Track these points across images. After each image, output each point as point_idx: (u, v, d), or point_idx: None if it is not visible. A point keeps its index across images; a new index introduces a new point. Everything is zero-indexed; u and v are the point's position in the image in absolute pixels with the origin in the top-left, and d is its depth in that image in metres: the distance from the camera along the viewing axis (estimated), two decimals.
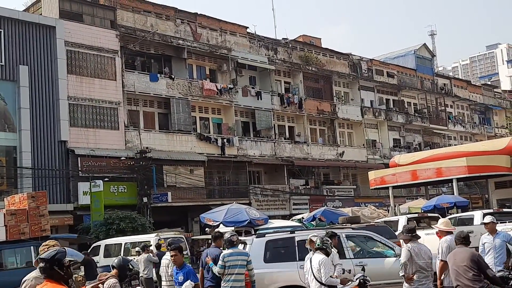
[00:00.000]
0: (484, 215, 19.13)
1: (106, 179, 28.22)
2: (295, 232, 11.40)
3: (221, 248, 10.07)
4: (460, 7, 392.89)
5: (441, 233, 9.54)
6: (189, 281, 8.39)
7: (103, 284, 7.15)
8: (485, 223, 10.27)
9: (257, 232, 15.22)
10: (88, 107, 30.41)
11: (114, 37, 32.00)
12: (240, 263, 9.37)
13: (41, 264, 4.66)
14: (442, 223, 9.71)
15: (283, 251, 11.11)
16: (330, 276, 8.31)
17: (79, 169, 28.83)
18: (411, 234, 8.97)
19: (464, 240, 8.53)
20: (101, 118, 30.79)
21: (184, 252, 17.35)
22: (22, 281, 6.48)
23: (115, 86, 31.55)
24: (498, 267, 9.49)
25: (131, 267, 7.50)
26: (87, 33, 30.80)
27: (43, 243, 6.57)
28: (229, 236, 9.65)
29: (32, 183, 26.91)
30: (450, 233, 9.48)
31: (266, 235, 11.61)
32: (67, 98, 29.34)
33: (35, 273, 6.15)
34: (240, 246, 10.52)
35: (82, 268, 19.67)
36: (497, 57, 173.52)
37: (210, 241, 21.37)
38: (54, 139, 28.61)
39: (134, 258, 16.98)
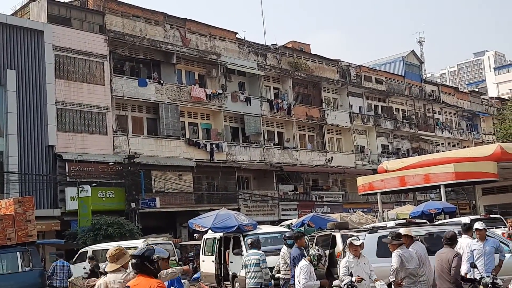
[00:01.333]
0: (471, 221, 19.27)
1: (94, 184, 28.05)
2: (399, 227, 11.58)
3: (302, 248, 11.22)
4: (448, 15, 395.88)
5: (404, 240, 9.47)
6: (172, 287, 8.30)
7: None
8: (477, 229, 10.28)
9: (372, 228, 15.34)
10: (76, 112, 30.26)
11: (102, 41, 31.89)
12: (255, 262, 11.45)
13: (133, 261, 5.33)
14: (405, 230, 9.69)
15: None
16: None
17: (67, 174, 28.66)
18: (399, 240, 8.98)
19: (449, 241, 8.68)
20: (89, 123, 30.64)
21: (172, 258, 17.29)
22: (106, 281, 6.72)
23: (103, 91, 31.43)
24: (488, 273, 9.51)
25: None
26: (75, 37, 30.68)
27: (114, 248, 6.79)
28: (249, 239, 11.87)
29: (19, 188, 26.73)
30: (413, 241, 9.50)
31: (378, 231, 11.98)
32: (55, 102, 29.18)
33: (114, 276, 6.52)
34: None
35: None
36: (484, 64, 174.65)
37: (198, 246, 21.34)
38: (41, 144, 28.44)
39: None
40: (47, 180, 28.51)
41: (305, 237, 21.26)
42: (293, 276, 10.75)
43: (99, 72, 31.46)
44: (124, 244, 21.68)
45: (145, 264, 5.32)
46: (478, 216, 20.77)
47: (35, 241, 17.68)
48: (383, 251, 11.16)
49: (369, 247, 11.04)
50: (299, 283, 8.57)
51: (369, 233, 12.11)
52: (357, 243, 9.17)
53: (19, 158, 27.45)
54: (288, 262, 12.37)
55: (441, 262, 8.67)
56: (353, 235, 9.78)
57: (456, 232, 9.80)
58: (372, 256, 10.99)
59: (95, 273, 16.47)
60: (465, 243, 10.11)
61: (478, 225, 10.38)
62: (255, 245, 11.78)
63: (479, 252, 10.00)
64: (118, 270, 6.55)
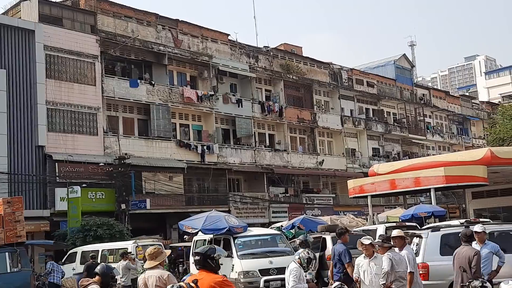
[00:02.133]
0: (461, 224, 19.33)
1: (84, 185, 27.91)
2: (469, 226, 11.60)
3: (346, 244, 11.35)
4: (440, 19, 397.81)
5: (398, 242, 9.51)
6: None
7: None
8: (476, 232, 10.27)
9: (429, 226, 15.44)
10: (67, 112, 30.12)
11: (94, 42, 31.77)
12: None
13: (197, 258, 5.98)
14: (398, 232, 9.73)
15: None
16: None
17: (57, 174, 28.52)
18: (389, 243, 9.00)
19: (468, 238, 8.78)
20: (79, 123, 30.51)
21: None
22: (145, 278, 7.29)
23: (94, 91, 31.31)
24: (485, 277, 9.52)
25: (113, 274, 7.41)
26: (66, 37, 30.55)
27: (153, 247, 7.40)
28: (298, 239, 12.26)
29: (8, 188, 26.56)
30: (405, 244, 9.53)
31: (441, 229, 12.05)
32: (45, 102, 29.03)
33: (158, 272, 7.14)
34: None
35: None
36: (475, 69, 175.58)
37: (188, 248, 21.26)
38: (31, 144, 28.28)
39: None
40: (37, 180, 28.35)
41: (296, 239, 21.32)
42: (339, 272, 11.09)
43: (90, 73, 31.34)
44: (114, 245, 21.67)
45: (207, 261, 5.94)
46: (468, 220, 20.86)
47: (24, 242, 17.55)
48: (446, 249, 11.32)
49: (432, 245, 11.23)
50: (288, 285, 8.57)
51: (432, 231, 12.19)
52: (366, 242, 9.19)
53: (8, 158, 27.27)
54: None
55: (459, 260, 8.75)
56: (365, 235, 9.77)
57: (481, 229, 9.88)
58: (435, 254, 11.24)
59: (90, 273, 16.41)
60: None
61: (477, 228, 10.37)
62: (304, 244, 11.93)
63: None
64: (156, 267, 7.12)
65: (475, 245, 10.17)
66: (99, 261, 19.87)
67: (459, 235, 9.42)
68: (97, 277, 7.21)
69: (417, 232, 11.98)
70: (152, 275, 7.10)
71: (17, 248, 16.49)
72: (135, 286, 17.18)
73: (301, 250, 9.58)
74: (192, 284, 5.79)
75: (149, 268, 7.17)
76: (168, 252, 7.32)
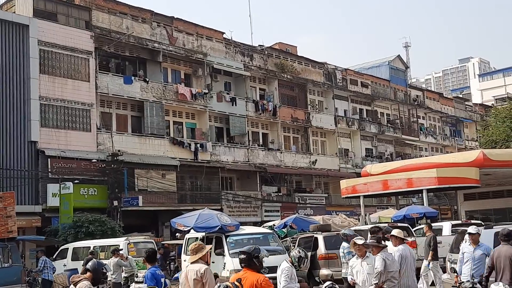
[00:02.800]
0: (453, 226, 19.43)
1: (76, 181, 27.83)
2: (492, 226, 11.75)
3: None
4: (435, 21, 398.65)
5: (395, 241, 9.59)
6: (133, 285, 8.25)
7: (75, 286, 7.05)
8: (470, 233, 10.32)
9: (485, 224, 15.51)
10: (60, 108, 30.02)
11: (88, 38, 31.68)
12: (342, 255, 12.93)
13: (242, 256, 6.41)
14: (397, 232, 9.79)
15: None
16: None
17: (49, 170, 28.43)
18: (381, 244, 9.02)
19: (506, 237, 8.84)
20: (73, 119, 30.42)
21: None
22: (186, 271, 7.55)
23: (88, 87, 31.23)
24: (476, 279, 9.55)
25: (105, 271, 7.44)
26: (61, 33, 30.44)
27: (194, 243, 7.71)
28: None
29: (0, 183, 26.45)
30: (403, 242, 9.58)
31: (494, 227, 11.99)
32: (39, 98, 28.92)
33: (197, 266, 7.38)
34: None
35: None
36: (469, 71, 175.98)
37: (180, 246, 21.26)
38: (24, 139, 28.17)
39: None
40: (29, 176, 28.26)
41: (288, 238, 21.37)
42: None
43: (84, 69, 31.25)
44: (106, 242, 21.63)
45: (252, 260, 6.35)
46: (460, 221, 20.95)
47: (15, 237, 17.55)
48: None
49: (485, 243, 11.10)
50: (280, 284, 8.57)
51: (484, 228, 12.19)
52: (359, 242, 9.21)
53: (0, 152, 27.16)
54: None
55: (500, 258, 8.90)
56: (357, 235, 9.74)
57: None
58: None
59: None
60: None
61: (471, 229, 10.41)
62: (345, 238, 12.70)
63: (468, 256, 10.06)
64: (197, 262, 7.37)
65: (469, 246, 10.22)
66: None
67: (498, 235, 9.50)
68: (88, 274, 7.23)
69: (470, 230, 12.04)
70: (192, 269, 7.37)
71: (8, 244, 16.47)
72: (126, 283, 17.20)
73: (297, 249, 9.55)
74: (237, 283, 6.09)
75: (191, 262, 7.46)
76: (208, 247, 7.57)
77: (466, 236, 10.64)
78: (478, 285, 9.02)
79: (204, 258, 7.45)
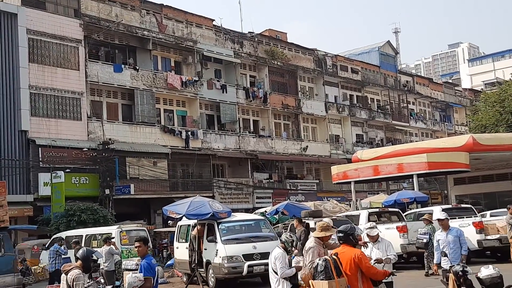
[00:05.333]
0: (443, 210, 19.60)
1: (67, 170, 27.82)
2: None
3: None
4: (424, 6, 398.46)
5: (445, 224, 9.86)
6: (131, 274, 8.11)
7: (66, 274, 7.09)
8: (439, 219, 10.36)
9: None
10: (50, 97, 29.90)
11: (77, 26, 31.50)
12: None
13: (340, 234, 7.06)
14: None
15: None
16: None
17: (40, 159, 28.37)
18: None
19: None
20: (63, 108, 30.31)
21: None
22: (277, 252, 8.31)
23: (78, 76, 31.09)
24: (454, 263, 9.64)
25: (95, 258, 7.47)
26: (50, 21, 30.24)
27: (323, 222, 8.28)
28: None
29: None
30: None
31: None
32: (28, 87, 28.79)
33: (312, 243, 7.99)
34: None
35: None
36: (458, 56, 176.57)
37: (172, 233, 21.31)
38: (14, 128, 28.07)
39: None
40: (20, 165, 28.19)
41: (280, 225, 21.48)
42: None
43: (73, 57, 31.10)
44: (98, 230, 21.65)
45: (349, 237, 7.00)
46: (450, 206, 21.15)
47: (7, 227, 17.53)
48: None
49: None
50: (274, 271, 8.64)
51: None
52: (373, 233, 9.33)
53: None
54: None
55: None
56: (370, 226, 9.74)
57: None
58: None
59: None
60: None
61: (439, 215, 10.45)
62: None
63: (443, 242, 10.12)
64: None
65: (440, 233, 10.27)
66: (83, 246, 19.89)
67: None
68: (78, 262, 7.29)
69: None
70: (312, 245, 8.00)
71: (0, 233, 16.46)
72: (118, 270, 17.25)
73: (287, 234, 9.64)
74: (335, 257, 6.78)
75: (315, 236, 8.09)
76: (335, 230, 8.06)
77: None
78: (468, 267, 9.14)
79: (327, 238, 8.02)
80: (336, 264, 6.71)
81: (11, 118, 28.02)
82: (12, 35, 28.57)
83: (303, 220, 15.84)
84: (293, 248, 8.83)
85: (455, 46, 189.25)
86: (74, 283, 7.02)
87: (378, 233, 9.35)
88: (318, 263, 6.85)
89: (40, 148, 28.51)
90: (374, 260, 8.68)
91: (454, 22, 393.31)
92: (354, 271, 6.76)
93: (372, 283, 7.02)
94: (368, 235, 9.37)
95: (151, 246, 21.96)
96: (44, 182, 27.83)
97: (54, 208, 26.59)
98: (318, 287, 6.75)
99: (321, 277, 6.72)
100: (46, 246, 22.30)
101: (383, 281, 7.83)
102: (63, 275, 7.26)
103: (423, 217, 16.61)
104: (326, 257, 6.92)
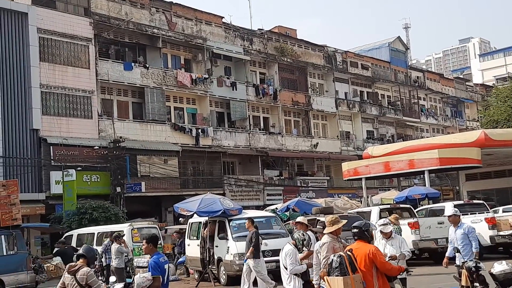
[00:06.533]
0: (455, 206, 19.52)
1: (79, 169, 27.93)
2: None
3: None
4: (434, 1, 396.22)
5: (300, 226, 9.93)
6: (139, 274, 7.99)
7: (74, 275, 7.06)
8: (448, 216, 10.33)
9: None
10: (61, 96, 30.02)
11: (88, 24, 31.59)
12: None
13: (355, 230, 7.11)
14: (301, 219, 10.10)
15: None
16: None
17: (52, 158, 28.50)
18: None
19: None
20: (74, 106, 30.43)
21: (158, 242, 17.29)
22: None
23: (88, 74, 31.20)
24: (466, 257, 9.60)
25: (96, 255, 7.52)
26: (60, 20, 30.35)
27: (332, 216, 8.50)
28: None
29: (3, 172, 26.56)
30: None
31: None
32: (40, 86, 28.91)
33: (326, 238, 8.16)
34: None
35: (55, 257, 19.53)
36: (469, 51, 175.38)
37: (183, 230, 21.39)
38: (26, 127, 28.21)
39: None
40: (32, 163, 28.34)
41: (290, 221, 21.46)
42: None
43: (84, 56, 31.20)
44: (109, 228, 21.73)
45: (364, 233, 7.07)
46: (461, 202, 21.04)
47: (20, 225, 17.66)
48: None
49: None
50: (285, 268, 8.64)
51: None
52: (387, 230, 9.44)
53: (3, 141, 27.21)
54: None
55: None
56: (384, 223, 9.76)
57: None
58: None
59: (64, 259, 16.37)
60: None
61: (447, 211, 10.41)
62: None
63: (452, 238, 10.10)
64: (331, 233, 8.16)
65: (452, 228, 10.23)
66: (95, 244, 19.97)
67: None
68: (82, 259, 7.29)
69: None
70: (326, 240, 8.20)
71: (13, 231, 16.59)
72: (131, 268, 17.30)
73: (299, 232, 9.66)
74: (349, 253, 6.82)
75: (327, 232, 8.24)
76: (344, 221, 8.35)
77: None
78: (481, 263, 9.10)
79: (338, 231, 8.16)
80: (351, 260, 6.72)
81: (22, 117, 28.16)
82: (23, 34, 28.70)
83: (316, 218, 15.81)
84: (304, 248, 8.80)
85: (466, 41, 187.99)
86: (89, 280, 7.02)
87: (391, 230, 9.35)
88: (332, 259, 6.85)
89: (51, 147, 28.64)
90: (389, 257, 8.68)
91: (465, 16, 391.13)
92: (369, 267, 6.78)
93: (387, 278, 7.01)
94: (381, 232, 9.36)
95: (162, 244, 22.00)
96: (55, 181, 27.95)
97: (66, 206, 26.70)
98: (333, 283, 6.74)
99: (336, 273, 6.71)
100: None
101: (397, 277, 7.84)
102: (67, 275, 7.22)
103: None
104: (341, 253, 6.94)
